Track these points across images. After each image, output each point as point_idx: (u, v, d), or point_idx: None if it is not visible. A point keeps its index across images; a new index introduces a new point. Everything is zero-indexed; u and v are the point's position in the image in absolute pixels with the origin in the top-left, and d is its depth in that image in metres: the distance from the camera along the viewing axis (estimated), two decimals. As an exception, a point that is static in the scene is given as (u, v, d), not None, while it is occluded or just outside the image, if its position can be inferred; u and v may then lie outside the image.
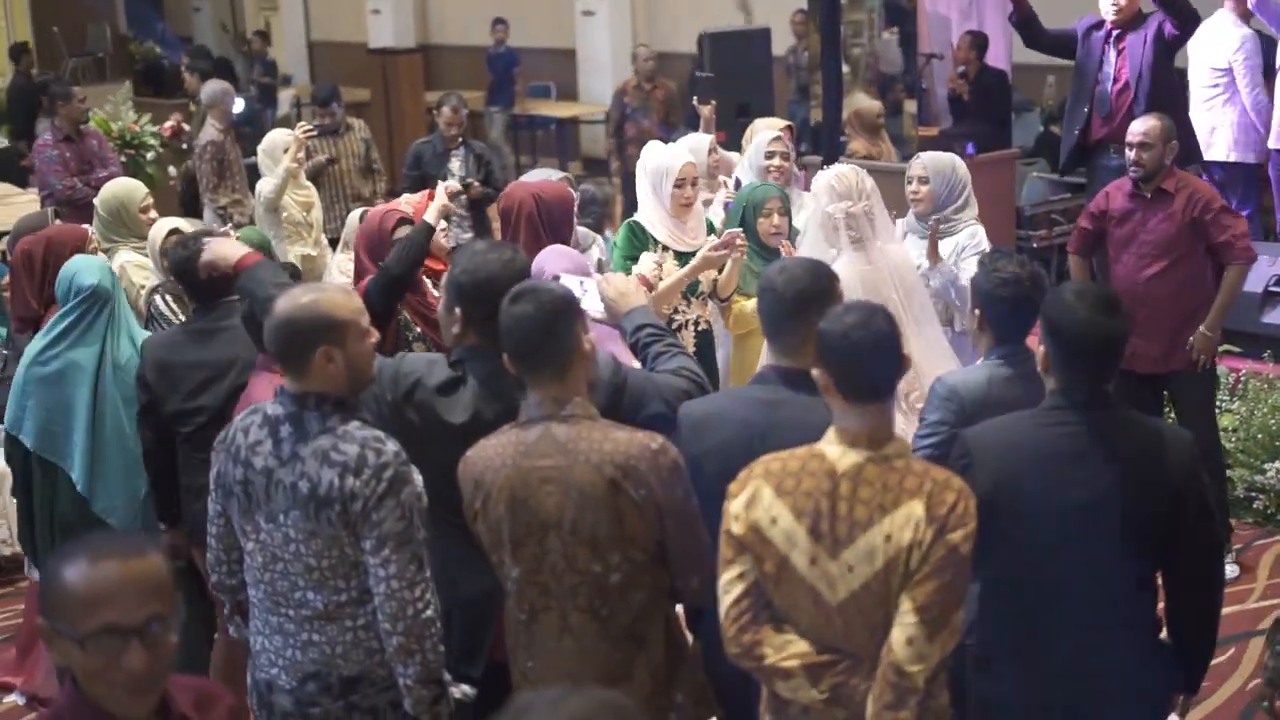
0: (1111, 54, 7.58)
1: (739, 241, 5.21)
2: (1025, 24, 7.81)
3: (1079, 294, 3.25)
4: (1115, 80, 7.49)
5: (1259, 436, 6.71)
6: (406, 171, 9.04)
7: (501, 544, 3.27)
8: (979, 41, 9.52)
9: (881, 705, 2.87)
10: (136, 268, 6.11)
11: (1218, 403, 6.45)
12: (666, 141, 6.22)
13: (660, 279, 5.15)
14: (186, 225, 5.66)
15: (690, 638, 3.51)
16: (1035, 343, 3.42)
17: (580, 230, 5.97)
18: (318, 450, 3.20)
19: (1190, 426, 5.91)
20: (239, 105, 10.23)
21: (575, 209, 4.98)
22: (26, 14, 17.75)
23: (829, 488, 2.92)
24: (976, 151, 8.82)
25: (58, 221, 6.96)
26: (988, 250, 5.47)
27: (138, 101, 12.64)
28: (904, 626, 2.85)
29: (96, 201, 6.29)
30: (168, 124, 10.91)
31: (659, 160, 5.51)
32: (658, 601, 3.28)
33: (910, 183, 5.65)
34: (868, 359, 2.91)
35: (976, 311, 3.87)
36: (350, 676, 3.28)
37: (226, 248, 4.35)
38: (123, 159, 9.97)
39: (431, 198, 5.09)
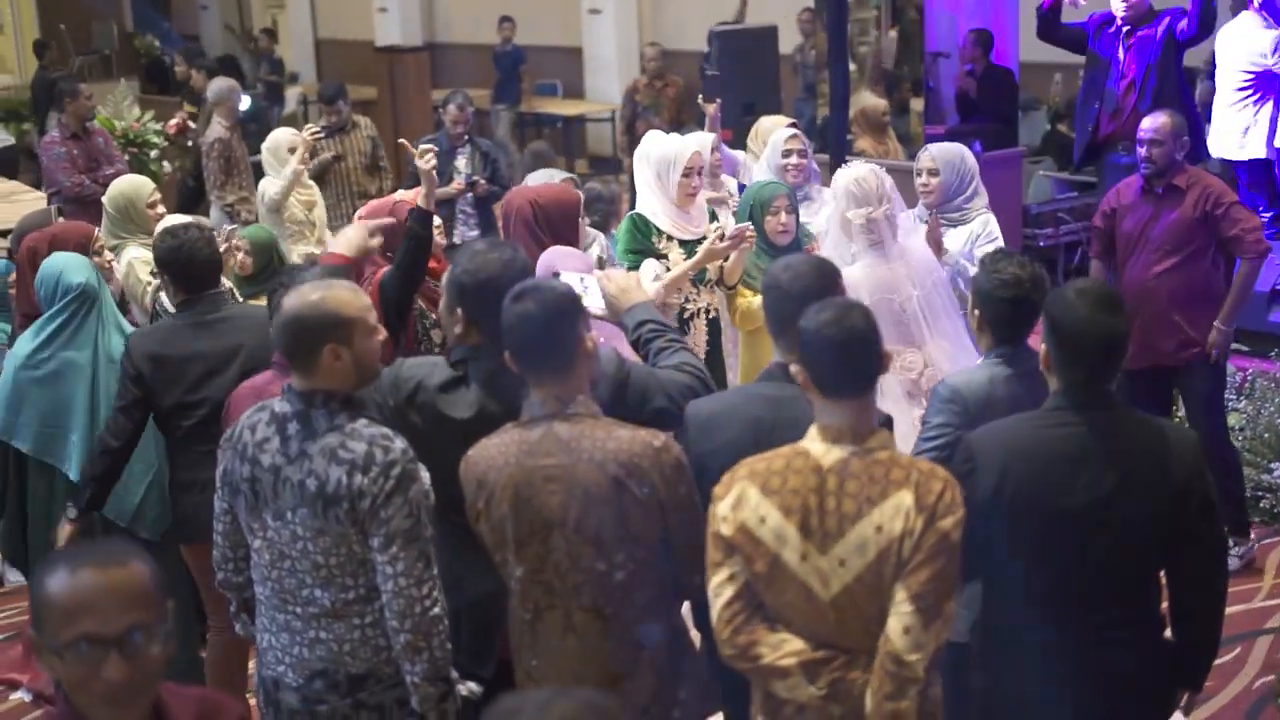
0: (1121, 50, 7.57)
1: (748, 234, 5.23)
2: (1049, 15, 7.78)
3: (1081, 292, 3.25)
4: (1124, 77, 7.48)
5: (1265, 436, 6.70)
6: (412, 169, 9.02)
7: (505, 543, 3.27)
8: (983, 39, 9.50)
9: (882, 696, 2.88)
10: (144, 264, 6.10)
11: (1224, 401, 6.44)
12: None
13: (664, 256, 5.18)
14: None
15: (695, 635, 3.51)
16: (1038, 342, 3.41)
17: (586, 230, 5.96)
18: (325, 448, 3.20)
19: (1198, 421, 5.94)
20: (245, 103, 10.21)
21: (580, 209, 4.93)
22: (34, 12, 17.77)
23: (816, 484, 2.93)
24: (983, 150, 8.81)
25: (60, 219, 6.96)
26: (1000, 239, 5.48)
27: (142, 99, 12.66)
28: (900, 616, 2.87)
29: (105, 198, 6.28)
30: (173, 120, 10.91)
31: (664, 149, 5.50)
32: (662, 599, 3.28)
33: (920, 175, 5.64)
34: (841, 355, 2.94)
35: (977, 312, 3.88)
36: (357, 674, 3.28)
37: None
38: (126, 156, 9.97)
39: None
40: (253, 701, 4.50)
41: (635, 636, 3.26)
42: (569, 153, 14.99)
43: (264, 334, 4.64)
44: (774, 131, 6.91)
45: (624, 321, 3.84)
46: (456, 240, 8.33)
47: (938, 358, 4.90)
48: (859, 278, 4.93)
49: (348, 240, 3.92)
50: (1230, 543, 5.95)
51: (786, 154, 6.28)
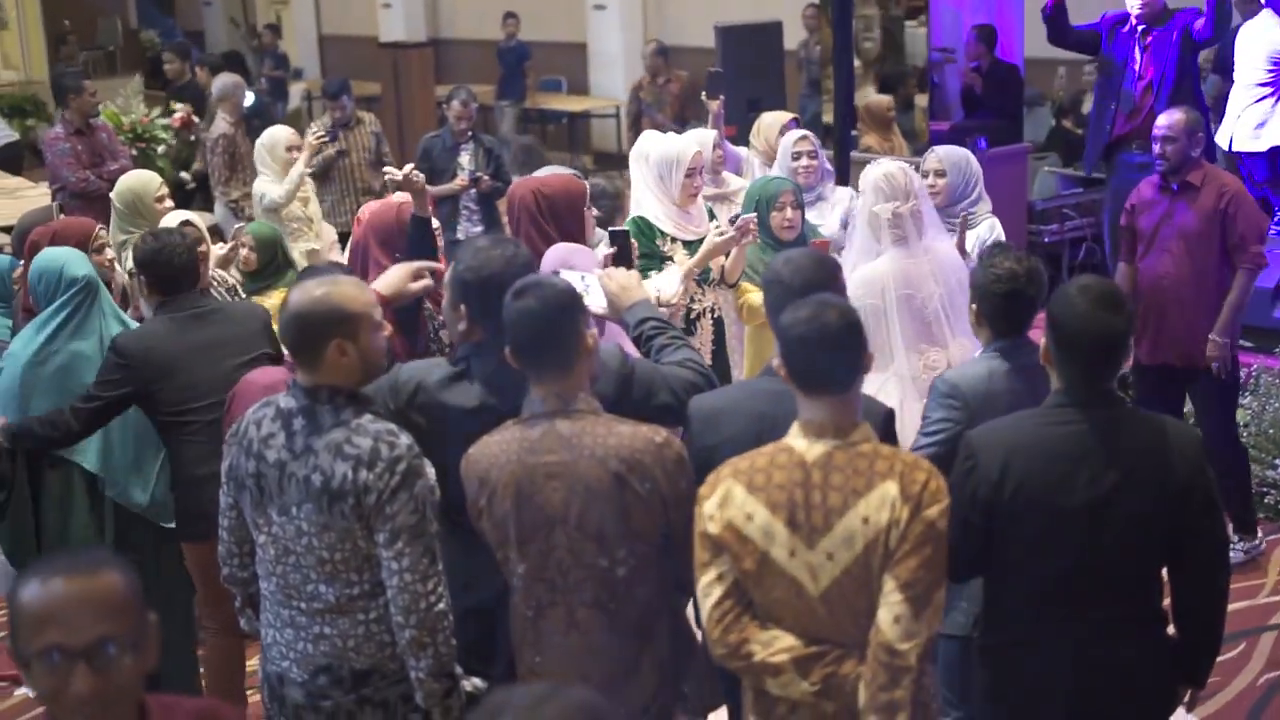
0: (1137, 51, 7.56)
1: (751, 226, 5.23)
2: (1053, 19, 7.77)
3: (1083, 289, 3.25)
4: (1141, 78, 7.47)
5: (1270, 432, 6.70)
6: (416, 165, 9.03)
7: (507, 541, 3.27)
8: (986, 35, 9.50)
9: (876, 687, 2.89)
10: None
11: (1236, 401, 6.41)
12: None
13: (669, 258, 5.18)
14: (198, 218, 5.65)
15: (696, 630, 3.51)
16: (1040, 336, 3.42)
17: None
18: (331, 443, 3.20)
19: (1208, 420, 5.93)
20: (249, 99, 10.21)
21: (586, 199, 4.91)
22: (39, 8, 17.78)
23: (801, 478, 2.95)
24: (988, 146, 8.81)
25: (61, 216, 6.96)
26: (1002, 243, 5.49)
27: (146, 95, 12.66)
28: (890, 606, 2.89)
29: (113, 194, 6.28)
30: (177, 115, 10.90)
31: (665, 149, 5.49)
32: (664, 595, 3.29)
33: (926, 176, 5.64)
34: (817, 353, 2.96)
35: (974, 306, 3.89)
36: (362, 670, 3.28)
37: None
38: (133, 152, 9.97)
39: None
40: (256, 698, 4.52)
41: (638, 632, 3.26)
42: (573, 149, 14.99)
43: (249, 325, 4.69)
44: (775, 127, 6.92)
45: (625, 319, 3.85)
46: (460, 236, 8.34)
47: (960, 357, 4.89)
48: (885, 270, 4.94)
49: (388, 281, 3.91)
50: (1236, 539, 5.98)
51: (796, 155, 6.31)
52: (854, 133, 8.91)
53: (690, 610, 3.52)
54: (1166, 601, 3.36)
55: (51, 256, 4.86)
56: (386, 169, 5.08)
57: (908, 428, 4.33)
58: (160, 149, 10.64)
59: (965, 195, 5.62)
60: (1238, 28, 8.13)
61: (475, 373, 3.49)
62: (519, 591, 3.31)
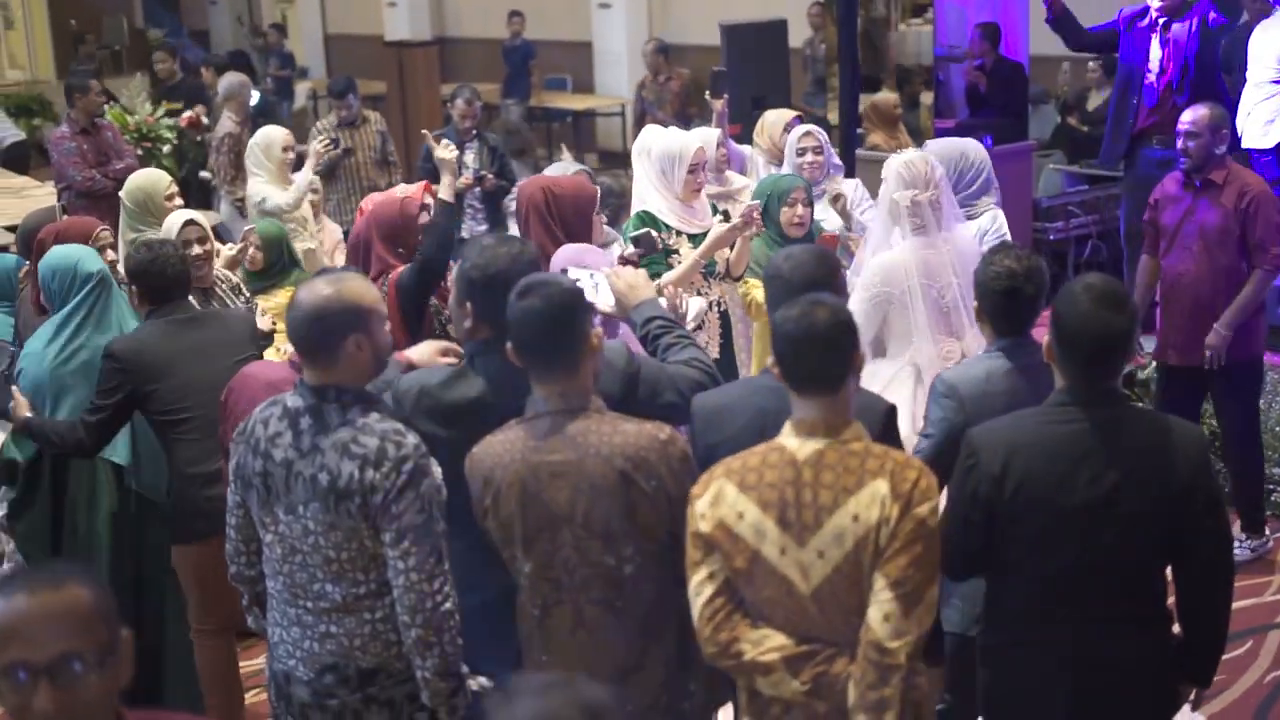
0: (1156, 44, 7.55)
1: (755, 216, 5.23)
2: (1060, 23, 7.76)
3: (1086, 288, 3.24)
4: (1162, 72, 7.45)
5: (1277, 430, 6.68)
6: (421, 164, 9.03)
7: (513, 540, 3.27)
8: (990, 32, 9.49)
9: (865, 685, 2.89)
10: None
11: (1258, 403, 6.36)
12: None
13: (675, 252, 5.19)
14: (203, 217, 5.66)
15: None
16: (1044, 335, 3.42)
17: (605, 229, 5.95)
18: (338, 443, 3.20)
19: (1227, 422, 5.92)
20: (254, 98, 10.22)
21: (596, 205, 4.90)
22: (44, 8, 17.80)
23: (792, 477, 2.95)
24: (993, 144, 8.80)
25: (64, 216, 6.96)
26: (1007, 236, 5.48)
27: (152, 94, 12.64)
28: (880, 604, 2.88)
29: (122, 192, 6.29)
30: (185, 115, 10.91)
31: (667, 145, 5.49)
32: (670, 592, 3.28)
33: None
34: (806, 352, 2.96)
35: (976, 304, 3.90)
36: (368, 669, 3.28)
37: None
38: (139, 152, 9.98)
39: (428, 189, 5.07)
40: (260, 696, 4.53)
41: (644, 630, 3.26)
42: (579, 147, 14.98)
43: (238, 329, 4.73)
44: (779, 125, 6.92)
45: (632, 318, 3.85)
46: (464, 235, 8.33)
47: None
48: (904, 258, 4.94)
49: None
50: (1244, 537, 5.97)
51: (801, 152, 6.31)
52: (859, 131, 8.90)
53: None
54: (1172, 600, 3.36)
55: (64, 253, 4.87)
56: (437, 148, 5.13)
57: (920, 418, 4.33)
58: (165, 149, 10.64)
59: (963, 189, 5.59)
60: (1250, 28, 8.12)
61: (480, 370, 3.49)
62: (525, 590, 3.31)
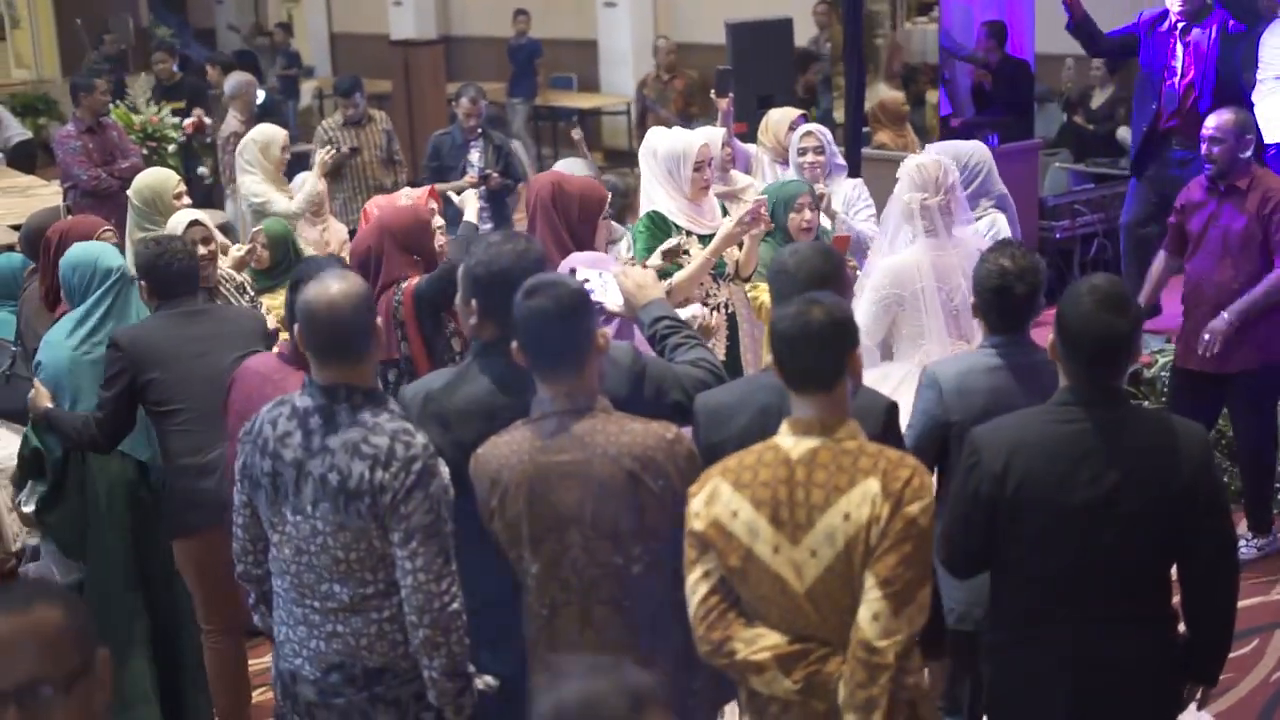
0: (1178, 48, 7.54)
1: (763, 211, 5.23)
2: (1080, 29, 7.75)
3: (1091, 289, 3.25)
4: (1183, 76, 7.44)
5: (1282, 428, 6.66)
6: (427, 163, 9.06)
7: (520, 541, 3.27)
8: (996, 30, 9.48)
9: (854, 684, 2.89)
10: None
11: (1275, 407, 6.33)
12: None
13: (686, 252, 5.18)
14: (207, 217, 5.66)
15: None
16: (1047, 334, 3.42)
17: (613, 226, 5.94)
18: (348, 442, 3.20)
19: (1244, 427, 5.90)
20: (260, 96, 10.21)
21: (604, 209, 4.86)
22: (50, 7, 17.81)
23: (785, 475, 2.95)
24: (999, 142, 8.80)
25: (68, 215, 6.97)
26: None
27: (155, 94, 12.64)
28: (869, 603, 2.88)
29: (130, 191, 6.30)
30: (189, 120, 10.92)
31: (672, 144, 5.48)
32: (676, 590, 3.27)
33: None
34: (799, 350, 2.97)
35: (973, 301, 3.91)
36: (374, 668, 3.28)
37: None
38: (144, 151, 9.99)
39: (433, 193, 5.09)
40: (267, 695, 4.53)
41: (651, 627, 3.26)
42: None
43: (243, 325, 4.74)
44: (783, 124, 6.91)
45: (640, 318, 3.84)
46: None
47: None
48: (915, 260, 4.95)
49: None
50: (1250, 536, 5.96)
51: (802, 151, 6.30)
52: (865, 129, 8.90)
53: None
54: (1177, 599, 3.36)
55: (84, 250, 4.90)
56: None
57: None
58: (170, 148, 10.65)
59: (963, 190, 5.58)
60: (1264, 28, 8.12)
61: (484, 369, 3.49)
62: (532, 591, 3.30)
